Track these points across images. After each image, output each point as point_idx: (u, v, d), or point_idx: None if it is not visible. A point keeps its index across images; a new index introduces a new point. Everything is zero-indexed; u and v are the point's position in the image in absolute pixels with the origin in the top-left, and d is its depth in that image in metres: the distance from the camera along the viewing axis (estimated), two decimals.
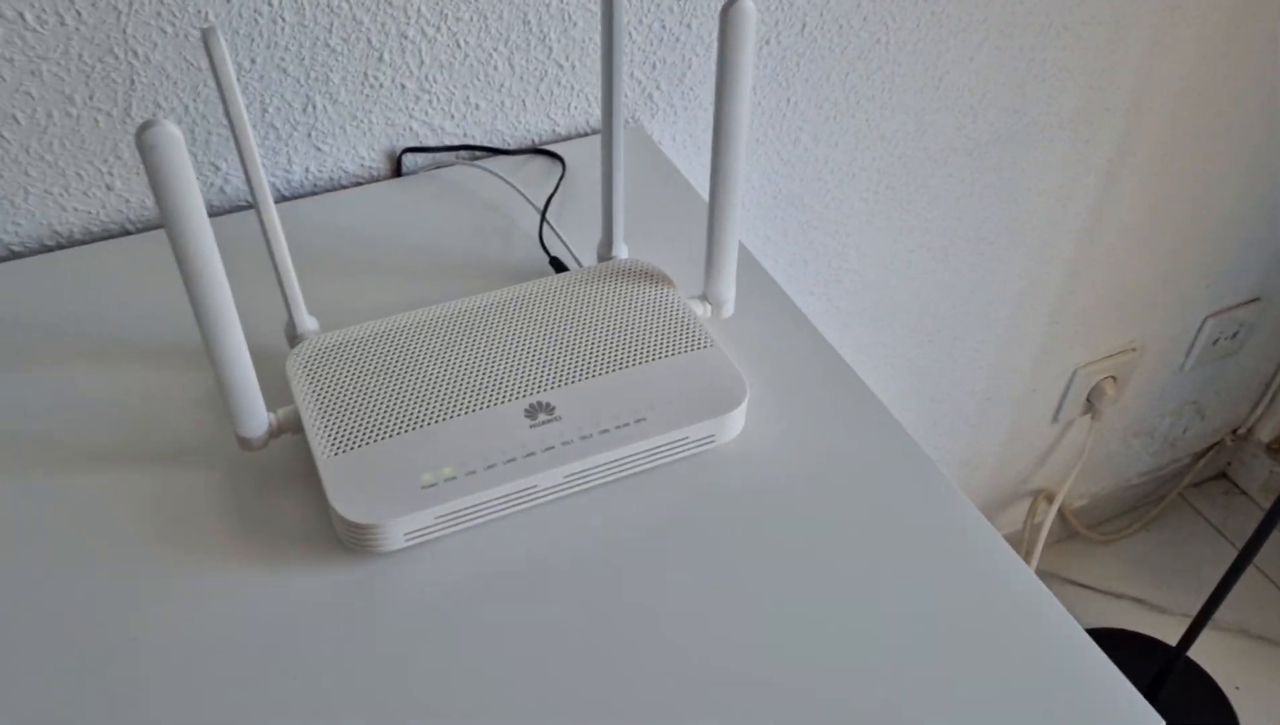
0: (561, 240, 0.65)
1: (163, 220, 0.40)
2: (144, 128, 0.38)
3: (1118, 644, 1.36)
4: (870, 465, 0.52)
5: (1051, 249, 1.09)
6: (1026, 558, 1.38)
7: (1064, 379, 1.28)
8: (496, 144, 0.72)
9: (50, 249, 0.64)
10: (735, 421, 0.52)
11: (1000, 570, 0.48)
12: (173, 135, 0.38)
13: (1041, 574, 1.21)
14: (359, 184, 0.69)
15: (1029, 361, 1.22)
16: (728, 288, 0.56)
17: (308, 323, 0.54)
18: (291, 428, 0.50)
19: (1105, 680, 0.45)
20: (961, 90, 0.88)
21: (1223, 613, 1.41)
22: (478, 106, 0.70)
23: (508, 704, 0.43)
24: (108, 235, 0.65)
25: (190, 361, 0.56)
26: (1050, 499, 1.40)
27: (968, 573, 0.48)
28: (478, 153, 0.72)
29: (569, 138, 0.74)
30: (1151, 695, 1.28)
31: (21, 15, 0.56)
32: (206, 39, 0.44)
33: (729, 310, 0.57)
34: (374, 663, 0.44)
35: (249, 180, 0.48)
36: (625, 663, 0.44)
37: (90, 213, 0.64)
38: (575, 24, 0.69)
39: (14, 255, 0.63)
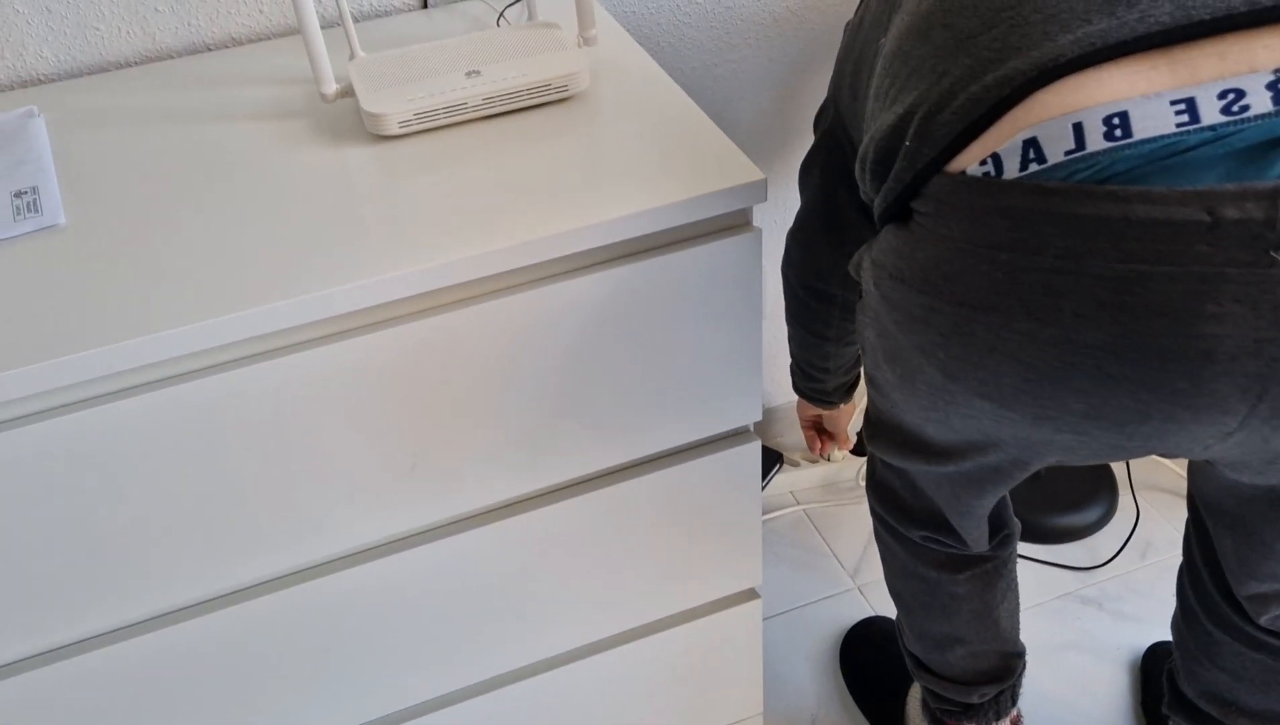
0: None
1: None
2: None
3: None
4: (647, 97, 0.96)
5: None
6: None
7: None
8: None
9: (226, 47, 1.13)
10: (581, 79, 0.96)
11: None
12: None
13: None
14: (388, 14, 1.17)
15: None
16: (589, 28, 1.00)
17: (359, 51, 1.00)
18: (349, 92, 0.96)
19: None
20: None
21: None
22: None
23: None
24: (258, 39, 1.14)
25: (301, 83, 1.03)
26: None
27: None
28: None
29: None
30: None
31: None
32: None
33: (594, 43, 1.02)
34: (391, 185, 0.89)
35: None
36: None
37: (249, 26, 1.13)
38: None
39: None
